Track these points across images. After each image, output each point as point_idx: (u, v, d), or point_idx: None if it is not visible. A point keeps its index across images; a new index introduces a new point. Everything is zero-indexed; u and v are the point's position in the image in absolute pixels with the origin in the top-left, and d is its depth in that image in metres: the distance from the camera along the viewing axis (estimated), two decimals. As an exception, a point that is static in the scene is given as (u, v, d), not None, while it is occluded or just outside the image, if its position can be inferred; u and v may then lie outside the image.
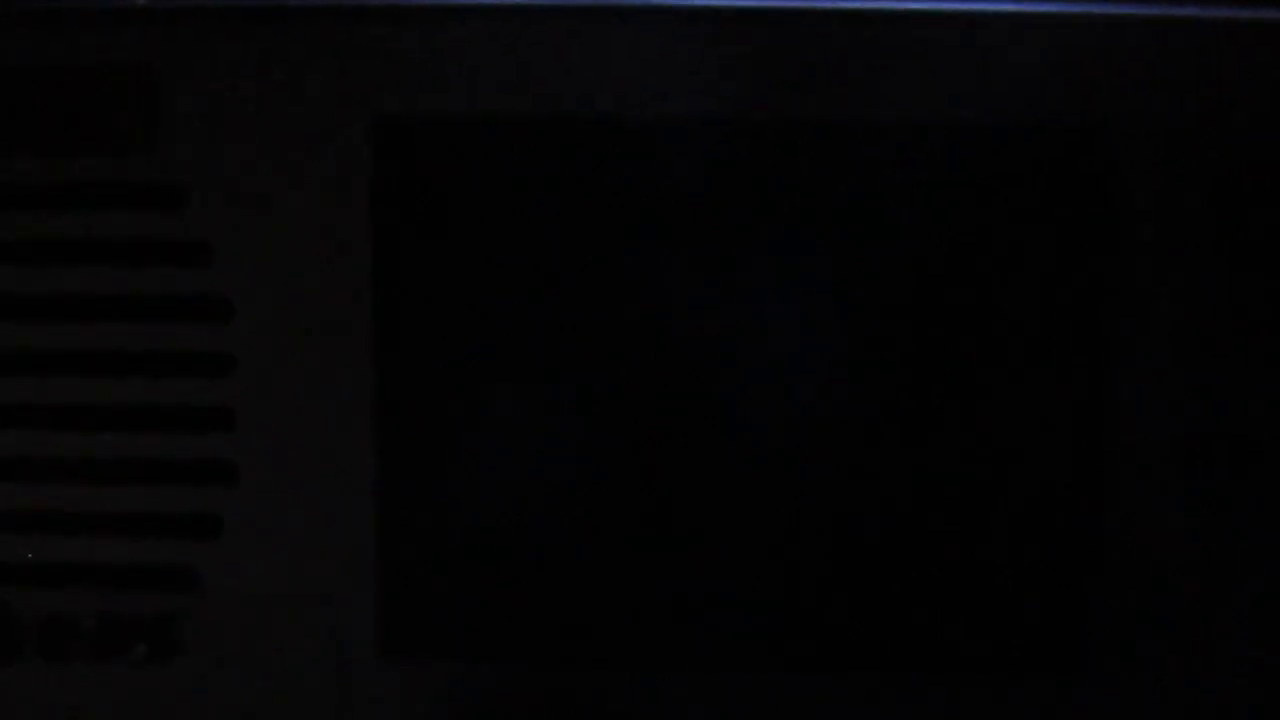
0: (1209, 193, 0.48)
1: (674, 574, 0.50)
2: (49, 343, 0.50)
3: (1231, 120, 0.48)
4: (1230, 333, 0.48)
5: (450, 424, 0.50)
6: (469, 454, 0.50)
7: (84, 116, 0.49)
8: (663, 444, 0.50)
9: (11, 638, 0.51)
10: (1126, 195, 0.48)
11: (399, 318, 0.50)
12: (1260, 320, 0.48)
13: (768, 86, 0.48)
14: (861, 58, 0.48)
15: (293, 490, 0.50)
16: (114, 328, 0.50)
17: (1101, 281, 0.48)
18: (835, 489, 0.49)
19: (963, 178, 0.48)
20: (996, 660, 0.50)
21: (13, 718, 0.52)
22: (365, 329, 0.50)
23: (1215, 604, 0.49)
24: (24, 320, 0.50)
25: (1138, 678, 0.50)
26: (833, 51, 0.48)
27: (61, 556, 0.51)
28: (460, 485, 0.50)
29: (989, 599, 0.50)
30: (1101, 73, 0.48)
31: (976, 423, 0.49)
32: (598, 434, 0.50)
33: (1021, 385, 0.49)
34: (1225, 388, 0.48)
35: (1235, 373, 0.48)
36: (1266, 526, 0.49)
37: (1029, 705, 0.50)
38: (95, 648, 0.51)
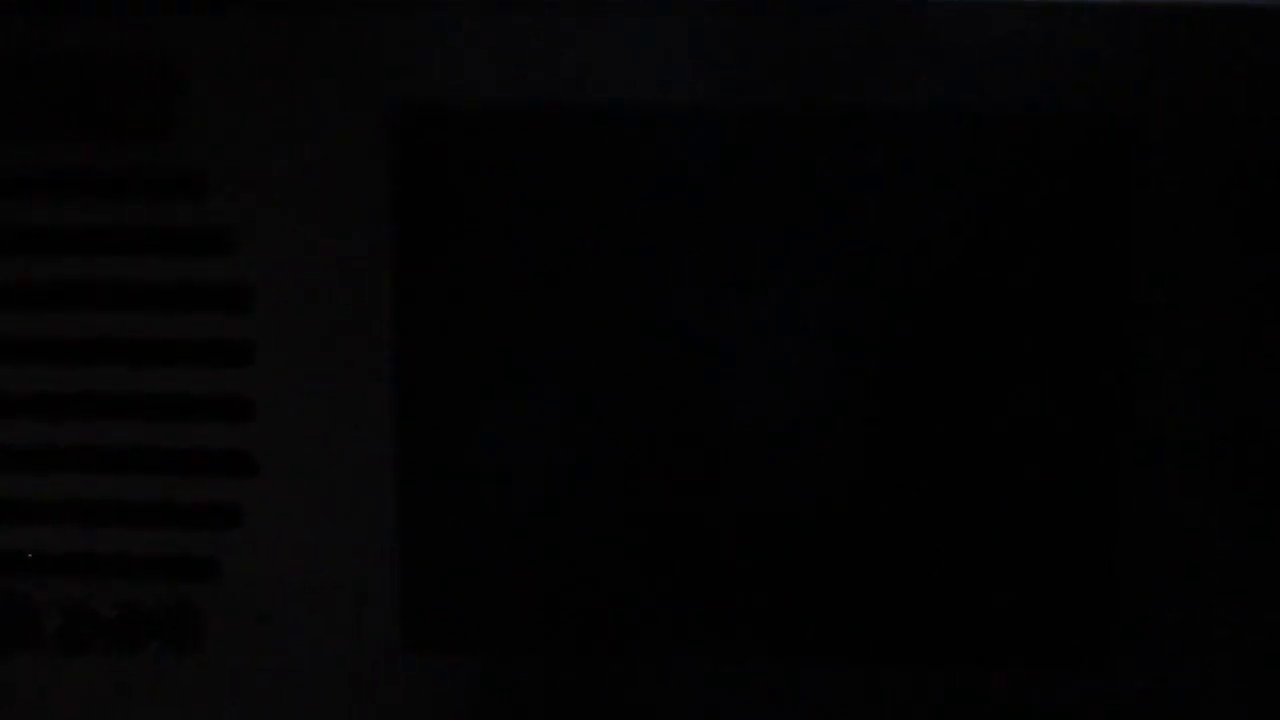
0: (1230, 184, 0.48)
1: (696, 568, 0.50)
2: (68, 332, 0.50)
3: (1253, 111, 0.47)
4: (1252, 325, 0.48)
5: (471, 414, 0.50)
6: (490, 444, 0.50)
7: (104, 105, 0.49)
8: (684, 434, 0.49)
9: (31, 629, 0.51)
10: (1146, 186, 0.48)
11: (419, 306, 0.49)
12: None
13: (784, 75, 0.48)
14: (875, 45, 0.48)
15: (313, 480, 0.50)
16: (133, 317, 0.50)
17: (1122, 271, 0.48)
18: (855, 482, 0.49)
19: (978, 167, 0.48)
20: (1020, 656, 0.50)
21: (32, 708, 0.52)
22: (386, 317, 0.49)
23: (1241, 598, 0.49)
24: (44, 309, 0.50)
25: (1163, 673, 0.49)
26: (849, 39, 0.48)
27: (79, 547, 0.51)
28: (482, 476, 0.50)
29: (1013, 594, 0.49)
30: (1120, 61, 0.47)
31: (996, 416, 0.49)
32: (620, 425, 0.49)
33: (1041, 378, 0.49)
34: (1249, 381, 0.48)
35: (1258, 365, 0.48)
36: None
37: (1052, 701, 0.50)
38: (115, 639, 0.51)
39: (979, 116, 0.48)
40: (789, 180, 0.48)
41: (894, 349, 0.49)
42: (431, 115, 0.49)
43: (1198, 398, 0.48)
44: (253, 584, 0.51)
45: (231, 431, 0.50)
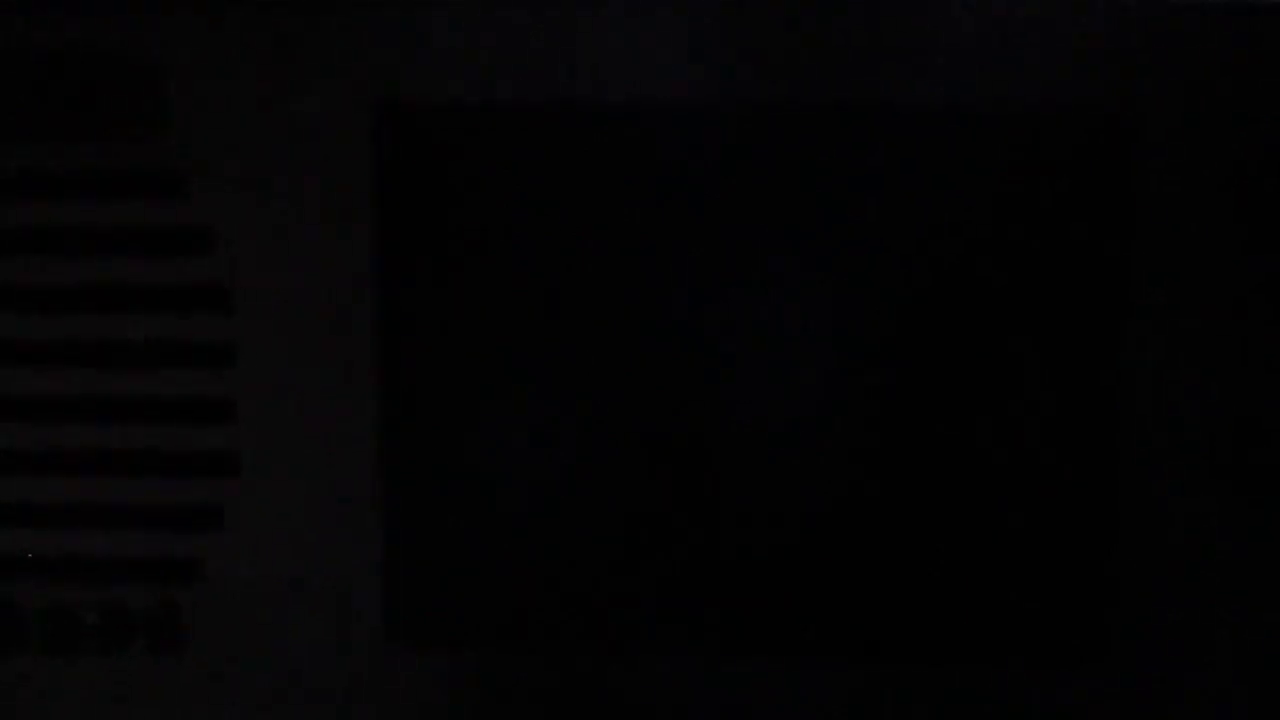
0: (1230, 180, 0.47)
1: (692, 566, 0.50)
2: (49, 333, 0.50)
3: (1253, 107, 0.47)
4: (1252, 324, 0.48)
5: (454, 412, 0.50)
6: (473, 442, 0.50)
7: (89, 104, 0.48)
8: (673, 430, 0.49)
9: (14, 631, 0.51)
10: (1146, 182, 0.47)
11: (402, 305, 0.49)
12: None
13: (779, 72, 0.48)
14: (875, 43, 0.47)
15: (296, 480, 0.50)
16: (115, 318, 0.50)
17: (1122, 269, 0.48)
18: (853, 482, 0.49)
19: (978, 164, 0.48)
20: (1020, 656, 0.49)
21: (16, 711, 0.52)
22: (368, 317, 0.49)
23: (1240, 598, 0.49)
24: (24, 310, 0.50)
25: (1162, 672, 0.49)
26: (850, 37, 0.47)
27: (64, 549, 0.51)
28: (464, 474, 0.50)
29: (1012, 594, 0.49)
30: (1121, 59, 0.47)
31: (996, 416, 0.49)
32: (602, 421, 0.49)
33: (1041, 377, 0.48)
34: (1249, 380, 0.48)
35: (1257, 364, 0.48)
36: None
37: (1052, 700, 0.50)
38: (99, 640, 0.51)
39: (979, 114, 0.47)
40: (785, 179, 0.48)
41: (893, 347, 0.48)
42: (416, 115, 0.48)
43: (1197, 396, 0.48)
44: (236, 585, 0.51)
45: (214, 433, 0.50)
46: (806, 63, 0.48)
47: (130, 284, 0.50)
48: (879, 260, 0.48)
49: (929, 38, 0.47)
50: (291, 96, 0.48)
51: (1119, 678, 0.50)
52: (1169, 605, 0.49)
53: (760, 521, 0.49)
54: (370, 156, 0.49)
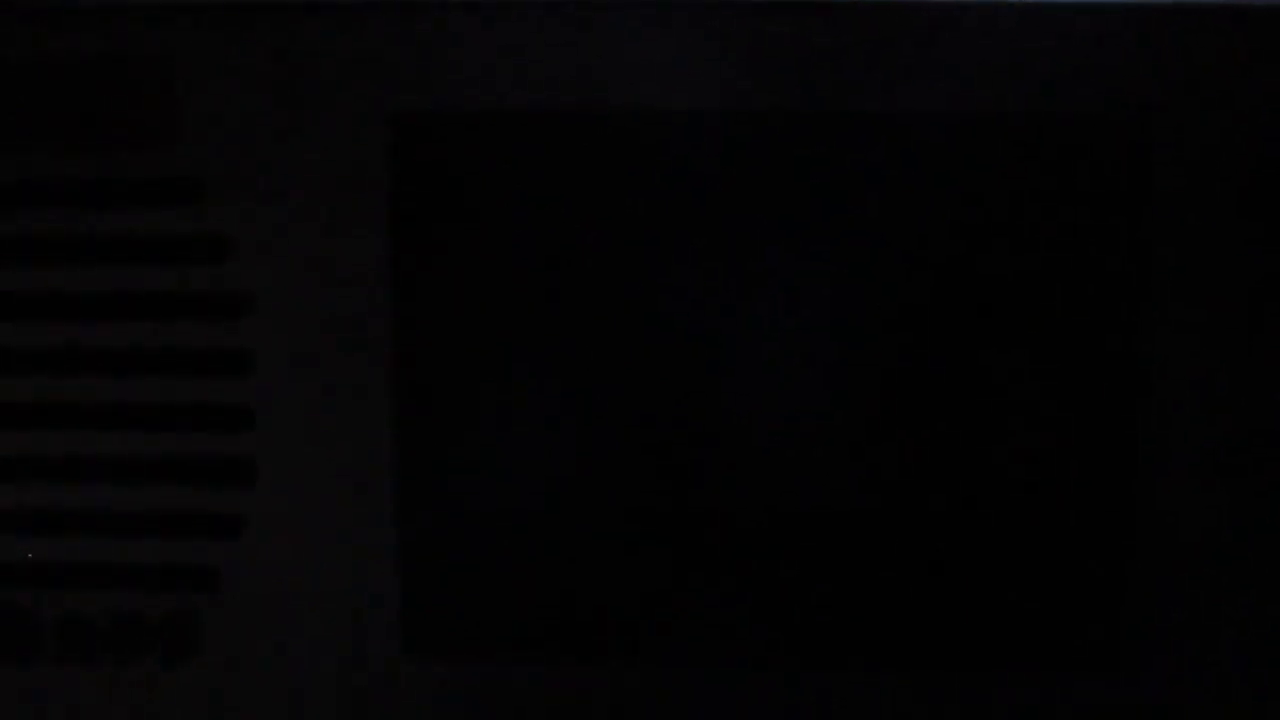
0: (1242, 183, 0.48)
1: (702, 572, 0.50)
2: (66, 340, 0.50)
3: (1267, 111, 0.47)
4: (1269, 323, 0.48)
5: (470, 421, 0.50)
6: (489, 451, 0.50)
7: (101, 111, 0.49)
8: (687, 440, 0.49)
9: (28, 639, 0.51)
10: (1157, 186, 0.48)
11: (417, 313, 0.49)
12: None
13: (785, 79, 0.48)
14: (883, 48, 0.48)
15: (313, 489, 0.50)
16: (131, 325, 0.50)
17: (1137, 272, 0.48)
18: (862, 484, 0.49)
19: (991, 170, 0.48)
20: (1031, 660, 0.49)
21: (30, 719, 0.52)
22: (384, 325, 0.49)
23: (1252, 602, 0.49)
24: (42, 318, 0.50)
25: (1173, 677, 0.49)
26: (854, 42, 0.48)
27: (78, 557, 0.51)
28: (481, 483, 0.50)
29: (1023, 598, 0.49)
30: (1134, 62, 0.47)
31: (1009, 419, 0.49)
32: (624, 432, 0.49)
33: (1055, 380, 0.49)
34: (1264, 384, 0.48)
35: (1272, 368, 0.48)
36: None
37: (1063, 705, 0.50)
38: (113, 649, 0.51)
39: (992, 119, 0.47)
40: (793, 186, 0.48)
41: (907, 349, 0.49)
42: (429, 121, 0.49)
43: (1211, 400, 0.48)
44: (252, 594, 0.51)
45: (231, 440, 0.50)
46: (819, 69, 0.48)
47: (147, 291, 0.50)
48: (892, 262, 0.48)
49: (939, 44, 0.48)
50: (305, 103, 0.49)
51: (1132, 681, 0.50)
52: (1183, 609, 0.49)
53: (769, 525, 0.50)
54: (384, 164, 0.49)
